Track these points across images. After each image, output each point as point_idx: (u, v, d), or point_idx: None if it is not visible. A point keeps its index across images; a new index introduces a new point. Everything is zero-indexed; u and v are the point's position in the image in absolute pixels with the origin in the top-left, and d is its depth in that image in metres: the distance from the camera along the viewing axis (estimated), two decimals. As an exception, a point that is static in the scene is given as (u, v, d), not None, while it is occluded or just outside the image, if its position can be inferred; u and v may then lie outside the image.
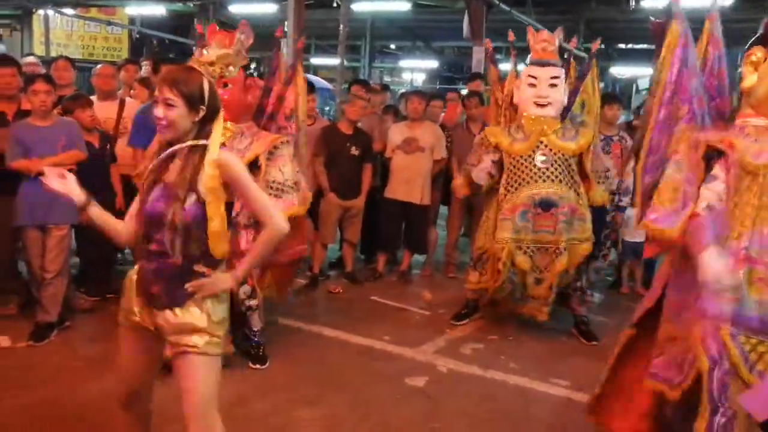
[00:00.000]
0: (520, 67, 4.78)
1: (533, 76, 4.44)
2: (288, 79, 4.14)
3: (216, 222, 2.15)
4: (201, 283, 2.19)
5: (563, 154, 4.37)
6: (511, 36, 4.96)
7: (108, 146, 4.85)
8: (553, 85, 4.42)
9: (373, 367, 4.06)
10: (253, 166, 3.64)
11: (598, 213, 5.19)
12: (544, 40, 4.53)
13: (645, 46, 14.93)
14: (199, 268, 2.19)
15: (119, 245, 2.20)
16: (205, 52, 2.23)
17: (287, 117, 4.11)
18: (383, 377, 3.92)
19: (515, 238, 4.33)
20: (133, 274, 2.30)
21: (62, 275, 4.21)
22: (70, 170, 4.05)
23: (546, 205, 4.28)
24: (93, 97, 5.09)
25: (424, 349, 4.37)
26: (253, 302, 3.92)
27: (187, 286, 2.17)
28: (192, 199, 2.13)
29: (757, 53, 2.39)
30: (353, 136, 5.58)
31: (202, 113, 2.17)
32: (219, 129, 2.22)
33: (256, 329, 3.98)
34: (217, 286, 2.22)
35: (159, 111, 2.13)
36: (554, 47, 4.53)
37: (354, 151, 5.55)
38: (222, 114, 2.26)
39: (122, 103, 5.28)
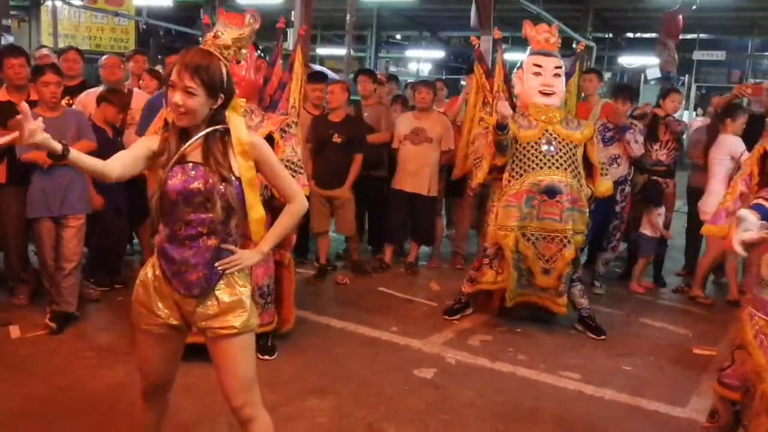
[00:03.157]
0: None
1: (538, 65, 4.47)
2: (290, 65, 4.16)
3: (257, 208, 2.18)
4: (230, 260, 2.19)
5: (569, 142, 4.37)
6: (497, 34, 5.13)
7: (120, 138, 4.86)
8: (557, 75, 4.47)
9: (381, 358, 4.06)
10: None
11: (606, 204, 5.18)
12: (546, 31, 4.57)
13: (653, 35, 14.79)
14: (227, 247, 2.19)
15: (109, 180, 2.12)
16: (221, 34, 2.16)
17: (292, 106, 4.17)
18: (391, 368, 3.92)
19: (520, 225, 4.34)
20: (142, 278, 2.24)
21: (79, 264, 4.24)
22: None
23: (551, 192, 4.28)
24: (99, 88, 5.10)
25: (432, 340, 4.37)
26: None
27: (216, 264, 2.17)
28: (234, 179, 2.13)
29: None
30: (339, 124, 5.49)
31: (220, 101, 2.12)
32: (239, 115, 2.19)
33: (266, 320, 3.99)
34: (245, 261, 2.23)
35: (178, 98, 2.05)
36: (555, 39, 4.58)
37: (336, 138, 5.43)
38: (236, 99, 2.22)
39: (130, 94, 5.28)
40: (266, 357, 3.91)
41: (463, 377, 3.88)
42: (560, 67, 4.49)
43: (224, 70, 2.13)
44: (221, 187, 2.10)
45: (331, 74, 11.42)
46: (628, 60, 18.38)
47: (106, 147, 4.48)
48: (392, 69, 20.03)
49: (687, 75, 17.87)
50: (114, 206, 4.70)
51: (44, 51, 6.37)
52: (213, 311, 2.18)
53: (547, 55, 4.50)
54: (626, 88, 6.14)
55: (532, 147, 4.36)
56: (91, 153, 4.09)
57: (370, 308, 4.95)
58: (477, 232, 6.11)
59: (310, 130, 5.48)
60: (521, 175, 4.37)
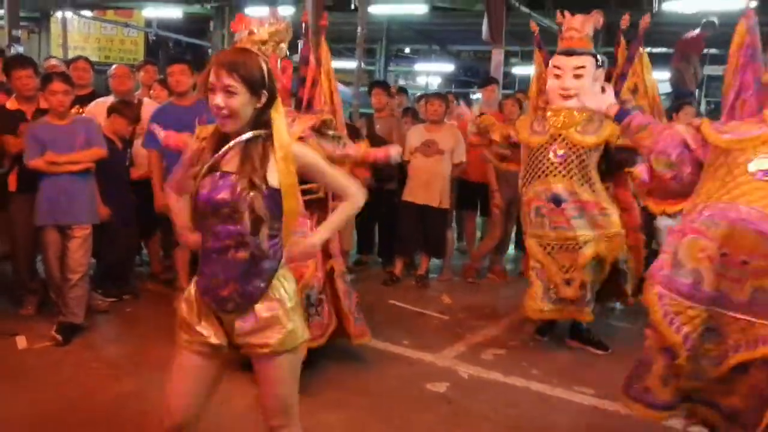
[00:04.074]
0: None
1: (557, 67, 4.27)
2: (317, 60, 4.03)
3: (295, 216, 2.09)
4: (289, 251, 2.12)
5: (581, 148, 4.21)
6: (534, 27, 4.82)
7: (129, 149, 4.84)
8: (578, 76, 4.20)
9: (393, 372, 4.00)
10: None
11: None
12: (572, 27, 4.30)
13: (665, 50, 14.75)
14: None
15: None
16: (255, 30, 2.06)
17: (325, 101, 4.05)
18: (404, 382, 3.86)
19: (534, 233, 4.30)
20: (192, 288, 2.14)
21: (86, 276, 4.20)
22: (88, 169, 4.12)
23: (557, 201, 4.22)
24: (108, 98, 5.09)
25: (445, 354, 4.30)
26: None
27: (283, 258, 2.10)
28: (265, 188, 1.99)
29: None
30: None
31: (264, 98, 2.00)
32: (282, 117, 2.07)
33: None
34: (301, 250, 2.17)
35: (219, 100, 1.95)
36: (582, 34, 4.28)
37: None
38: (280, 99, 2.10)
39: (140, 104, 5.27)
40: None
41: (476, 391, 3.81)
42: (582, 67, 4.20)
43: (264, 67, 2.01)
44: (250, 195, 1.97)
45: (341, 87, 11.40)
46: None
47: (115, 158, 4.47)
48: (401, 82, 20.05)
49: (697, 90, 17.79)
50: (122, 217, 4.67)
51: (53, 62, 6.37)
52: (250, 327, 2.06)
53: (569, 54, 4.26)
54: None
55: (541, 153, 4.28)
56: (100, 162, 4.15)
57: (381, 321, 4.87)
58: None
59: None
60: (530, 182, 4.33)
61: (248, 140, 2.01)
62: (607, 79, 4.39)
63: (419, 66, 20.96)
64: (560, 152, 4.23)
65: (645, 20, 4.39)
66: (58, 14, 13.37)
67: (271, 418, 2.14)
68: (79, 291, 4.17)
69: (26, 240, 4.38)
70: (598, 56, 4.31)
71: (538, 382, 3.95)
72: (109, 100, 5.04)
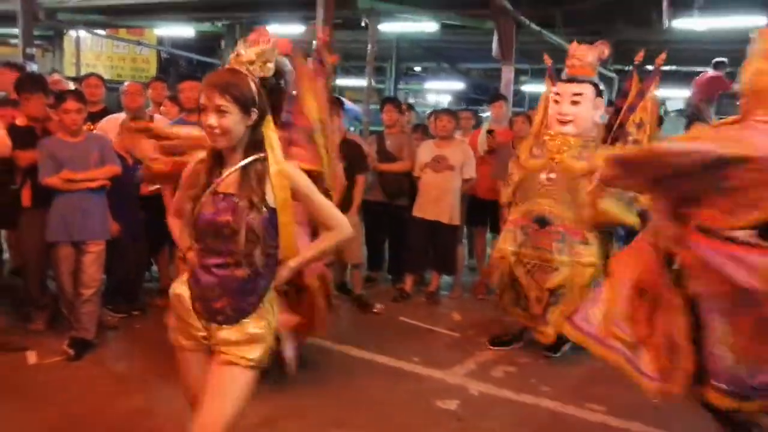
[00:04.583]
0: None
1: (557, 93, 4.45)
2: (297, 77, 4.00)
3: (290, 228, 2.15)
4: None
5: (571, 173, 4.30)
6: (548, 60, 4.86)
7: (140, 165, 4.85)
8: (575, 102, 4.36)
9: (402, 389, 3.97)
10: None
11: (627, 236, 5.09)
12: (574, 56, 4.47)
13: (675, 67, 14.75)
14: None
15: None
16: (242, 52, 2.13)
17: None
18: (413, 399, 3.83)
19: (515, 251, 4.42)
20: (178, 290, 2.20)
21: (98, 291, 4.21)
22: (104, 186, 4.14)
23: (542, 222, 4.34)
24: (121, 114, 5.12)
25: (455, 371, 4.27)
26: None
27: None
28: (264, 208, 2.09)
29: None
30: (338, 147, 5.33)
31: (254, 116, 2.08)
32: (275, 136, 2.16)
33: None
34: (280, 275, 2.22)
35: (211, 120, 2.03)
36: (583, 63, 4.43)
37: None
38: (271, 118, 2.18)
39: (150, 121, 5.29)
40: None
41: (486, 409, 3.77)
42: (580, 94, 4.35)
43: (253, 86, 2.08)
44: (248, 216, 2.05)
45: (350, 105, 11.50)
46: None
47: (125, 174, 4.49)
48: (411, 100, 20.13)
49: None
50: (132, 233, 4.68)
51: (56, 76, 6.43)
52: (236, 339, 2.14)
53: (570, 81, 4.43)
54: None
55: (534, 176, 4.44)
56: (111, 178, 4.17)
57: (391, 338, 4.86)
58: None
59: None
60: (521, 203, 4.50)
61: (246, 165, 2.10)
62: (616, 109, 4.47)
63: (429, 84, 21.05)
64: (552, 175, 4.37)
65: (661, 59, 4.47)
66: (72, 33, 13.53)
67: (208, 414, 2.10)
68: (92, 306, 4.18)
69: (38, 255, 4.39)
70: (600, 85, 4.45)
71: (549, 399, 3.91)
72: (121, 116, 5.07)
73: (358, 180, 5.36)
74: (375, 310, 5.48)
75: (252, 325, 2.15)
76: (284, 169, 2.12)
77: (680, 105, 13.63)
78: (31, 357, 4.05)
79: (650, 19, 9.68)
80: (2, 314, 4.49)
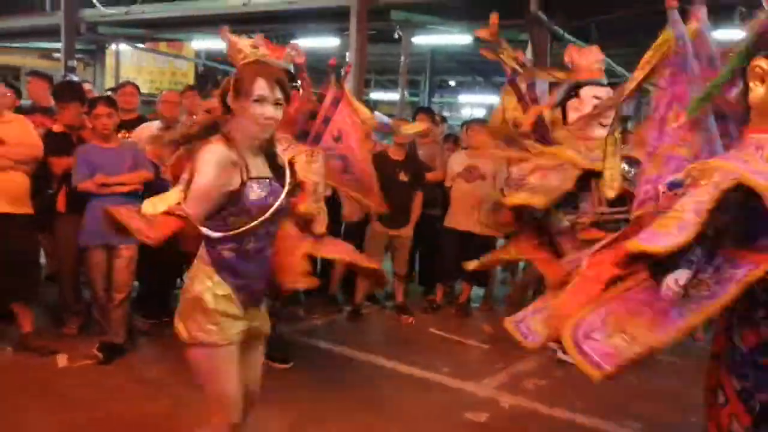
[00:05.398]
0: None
1: (598, 97, 4.16)
2: (335, 99, 4.10)
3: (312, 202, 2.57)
4: None
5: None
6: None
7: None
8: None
9: (431, 400, 3.90)
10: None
11: None
12: (597, 60, 4.34)
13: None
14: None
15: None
16: (257, 46, 2.33)
17: (335, 138, 4.11)
18: (442, 411, 3.76)
19: None
20: (208, 290, 2.18)
21: (129, 296, 4.25)
22: (136, 191, 4.18)
23: None
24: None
25: (485, 383, 4.18)
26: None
27: None
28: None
29: (762, 64, 2.14)
30: (403, 162, 5.44)
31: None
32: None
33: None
34: None
35: (271, 111, 2.13)
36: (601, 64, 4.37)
37: (403, 177, 5.39)
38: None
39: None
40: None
41: (517, 422, 3.68)
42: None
43: None
44: (284, 198, 2.22)
45: (382, 117, 11.53)
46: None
47: (157, 182, 4.51)
48: (445, 113, 20.13)
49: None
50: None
51: (86, 86, 6.54)
52: (262, 315, 2.38)
53: (601, 84, 4.26)
54: None
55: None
56: (145, 184, 4.21)
57: (421, 349, 4.79)
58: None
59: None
60: None
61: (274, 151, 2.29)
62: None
63: (463, 97, 21.00)
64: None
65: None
66: (113, 47, 13.84)
67: (254, 392, 2.40)
68: (123, 311, 4.22)
69: (73, 260, 4.44)
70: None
71: (584, 415, 3.79)
72: (155, 124, 5.13)
73: (418, 195, 5.46)
74: (404, 321, 5.42)
75: (263, 303, 2.39)
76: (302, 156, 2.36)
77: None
78: (62, 360, 4.08)
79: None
80: (36, 318, 4.53)
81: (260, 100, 2.11)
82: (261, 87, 2.11)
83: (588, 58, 4.35)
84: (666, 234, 2.00)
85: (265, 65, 2.20)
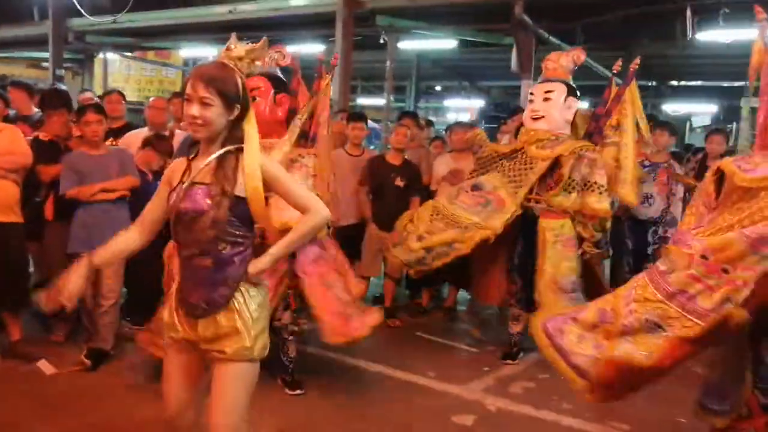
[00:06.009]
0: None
1: (531, 93, 4.67)
2: (314, 90, 4.10)
3: (267, 219, 2.20)
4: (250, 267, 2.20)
5: (531, 160, 4.46)
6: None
7: (159, 181, 4.90)
8: (546, 99, 4.52)
9: (418, 404, 3.92)
10: None
11: (637, 247, 5.53)
12: (549, 59, 4.70)
13: (700, 82, 14.60)
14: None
15: (140, 249, 2.33)
16: (233, 47, 2.22)
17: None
18: (429, 414, 3.78)
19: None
20: (173, 287, 2.26)
21: (117, 303, 4.24)
22: (123, 197, 4.18)
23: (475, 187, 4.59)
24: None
25: (472, 386, 4.21)
26: (295, 328, 3.88)
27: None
28: (234, 197, 2.10)
29: None
30: (400, 167, 5.50)
31: (236, 112, 2.12)
32: (255, 130, 2.17)
33: (292, 356, 3.94)
34: (251, 268, 2.19)
35: (194, 110, 2.06)
36: (556, 65, 4.62)
37: (399, 182, 5.44)
38: (253, 113, 2.21)
39: (172, 136, 5.35)
40: (297, 391, 3.87)
41: (503, 425, 3.71)
42: (551, 91, 4.50)
43: (240, 82, 2.14)
44: (216, 202, 2.07)
45: (371, 123, 11.56)
46: (673, 107, 18.17)
47: (145, 189, 4.53)
48: (431, 118, 20.18)
49: (735, 122, 17.54)
50: (151, 246, 4.69)
51: (88, 95, 6.55)
52: (211, 335, 2.16)
53: (544, 81, 4.61)
54: (667, 122, 6.04)
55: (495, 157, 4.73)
56: (132, 191, 4.22)
57: (407, 352, 4.81)
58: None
59: (366, 173, 5.46)
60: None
61: (221, 155, 2.12)
62: (595, 116, 4.64)
63: (449, 102, 21.08)
64: (509, 160, 4.60)
65: (635, 63, 4.58)
66: (101, 55, 13.83)
67: (214, 415, 2.15)
68: (110, 318, 4.21)
69: (62, 268, 4.42)
70: (574, 87, 4.58)
71: (571, 416, 3.83)
72: (143, 131, 5.14)
73: (414, 201, 5.45)
74: (391, 324, 5.44)
75: (224, 319, 2.15)
76: (257, 160, 2.11)
77: (706, 120, 13.48)
78: (49, 367, 4.07)
79: (674, 32, 9.55)
80: (24, 325, 4.52)
81: (187, 99, 2.09)
82: (188, 86, 2.10)
83: (546, 58, 4.76)
84: None
85: (201, 66, 2.20)
